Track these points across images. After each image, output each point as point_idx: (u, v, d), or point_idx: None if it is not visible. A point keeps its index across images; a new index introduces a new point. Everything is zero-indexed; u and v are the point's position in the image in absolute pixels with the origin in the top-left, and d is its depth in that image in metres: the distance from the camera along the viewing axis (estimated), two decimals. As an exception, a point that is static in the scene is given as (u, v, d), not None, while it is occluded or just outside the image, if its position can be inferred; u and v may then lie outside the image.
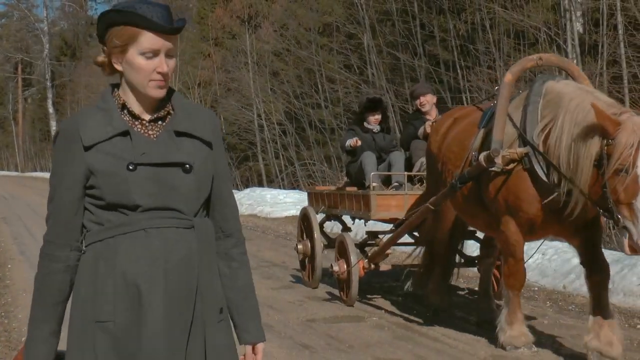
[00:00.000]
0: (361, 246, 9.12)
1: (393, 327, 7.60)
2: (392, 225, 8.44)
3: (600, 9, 14.65)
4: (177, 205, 2.58)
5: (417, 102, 9.12)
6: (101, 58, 2.62)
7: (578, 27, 15.43)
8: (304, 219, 9.84)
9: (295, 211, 19.09)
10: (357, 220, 9.70)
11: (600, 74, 14.15)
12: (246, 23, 29.53)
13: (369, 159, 8.85)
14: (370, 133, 9.25)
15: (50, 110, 58.98)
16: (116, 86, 2.65)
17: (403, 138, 9.31)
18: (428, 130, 8.39)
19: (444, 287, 8.03)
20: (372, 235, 9.13)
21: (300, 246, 9.72)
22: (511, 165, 6.18)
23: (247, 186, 27.81)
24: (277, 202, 20.70)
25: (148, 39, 2.51)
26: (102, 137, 2.54)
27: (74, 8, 61.15)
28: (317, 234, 9.42)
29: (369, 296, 9.04)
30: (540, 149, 6.06)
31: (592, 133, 5.63)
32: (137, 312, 2.49)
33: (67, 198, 2.57)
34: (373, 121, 9.28)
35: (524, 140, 6.19)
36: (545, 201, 6.03)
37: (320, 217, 9.77)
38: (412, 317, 7.98)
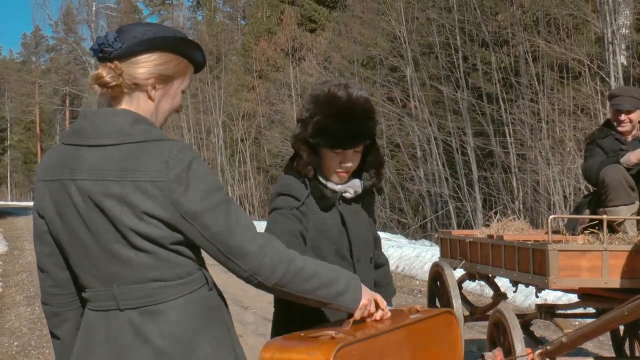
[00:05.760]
0: (525, 325, 6.16)
1: None
2: (577, 296, 5.99)
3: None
4: None
5: (614, 117, 6.10)
6: (110, 76, 2.23)
7: (622, 59, 15.38)
8: (436, 277, 6.89)
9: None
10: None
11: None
12: (290, 55, 29.87)
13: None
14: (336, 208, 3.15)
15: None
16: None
17: (590, 165, 6.02)
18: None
19: None
20: (546, 311, 5.92)
21: None
22: None
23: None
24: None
25: (191, 79, 2.42)
26: None
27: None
28: (456, 302, 6.35)
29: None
30: None
31: None
32: None
33: None
34: (337, 178, 3.13)
35: None
36: None
37: (457, 272, 6.73)
38: None
